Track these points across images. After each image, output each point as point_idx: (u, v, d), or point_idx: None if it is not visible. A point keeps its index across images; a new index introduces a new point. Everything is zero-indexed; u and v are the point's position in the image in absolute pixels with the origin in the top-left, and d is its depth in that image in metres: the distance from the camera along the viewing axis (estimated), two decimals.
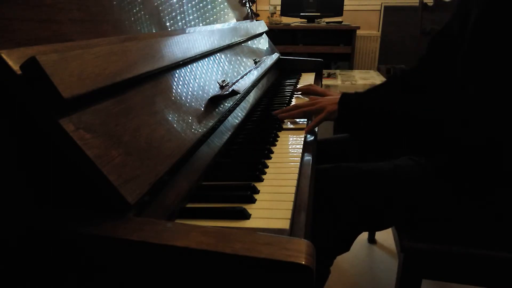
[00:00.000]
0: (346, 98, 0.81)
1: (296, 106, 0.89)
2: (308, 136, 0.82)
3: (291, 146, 0.76)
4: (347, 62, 3.33)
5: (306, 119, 0.90)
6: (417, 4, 2.24)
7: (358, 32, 3.25)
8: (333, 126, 2.23)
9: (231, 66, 0.95)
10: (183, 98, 0.65)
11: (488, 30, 0.65)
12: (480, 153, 0.68)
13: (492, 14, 0.64)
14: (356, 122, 0.79)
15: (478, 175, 0.72)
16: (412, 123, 0.71)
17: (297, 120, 0.91)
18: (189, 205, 0.54)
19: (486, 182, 0.72)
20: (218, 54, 0.90)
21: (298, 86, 1.19)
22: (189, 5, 0.86)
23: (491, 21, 0.65)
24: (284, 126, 0.88)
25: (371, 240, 1.52)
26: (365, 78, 2.73)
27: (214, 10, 1.03)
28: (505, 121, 0.63)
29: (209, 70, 0.80)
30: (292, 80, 1.36)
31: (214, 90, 0.77)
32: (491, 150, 0.67)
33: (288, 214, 0.50)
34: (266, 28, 1.51)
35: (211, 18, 0.99)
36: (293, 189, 0.57)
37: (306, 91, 1.13)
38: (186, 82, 0.68)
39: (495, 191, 0.72)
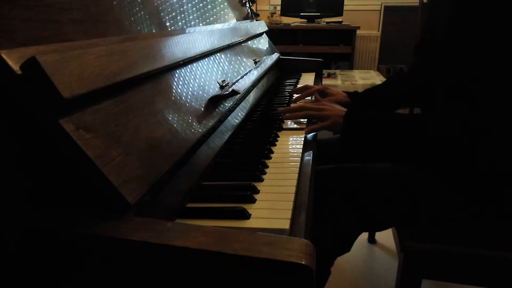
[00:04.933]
0: (351, 116, 0.79)
1: (302, 108, 0.86)
2: (308, 136, 0.82)
3: (291, 146, 0.76)
4: (347, 62, 3.33)
5: (306, 123, 0.89)
6: (417, 4, 2.24)
7: (358, 32, 3.25)
8: None
9: (231, 66, 0.95)
10: (183, 98, 0.65)
11: (458, 37, 0.66)
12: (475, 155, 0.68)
13: (462, 20, 0.65)
14: (360, 141, 0.79)
15: (476, 176, 0.72)
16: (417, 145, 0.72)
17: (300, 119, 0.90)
18: (189, 205, 0.54)
19: (485, 183, 0.72)
20: (218, 54, 0.90)
21: (298, 86, 1.19)
22: (189, 5, 0.86)
23: (461, 28, 0.66)
24: (284, 126, 0.88)
25: (371, 240, 1.52)
26: (365, 78, 2.73)
27: (214, 10, 1.03)
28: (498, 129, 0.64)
29: (209, 70, 0.80)
30: (292, 80, 1.36)
31: (214, 90, 0.77)
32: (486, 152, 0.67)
33: (288, 214, 0.50)
34: (266, 28, 1.51)
35: (211, 18, 0.99)
36: (293, 189, 0.57)
37: (303, 90, 1.12)
38: (186, 82, 0.68)
39: (494, 191, 0.72)
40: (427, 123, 0.71)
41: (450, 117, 0.68)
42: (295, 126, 0.88)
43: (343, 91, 1.08)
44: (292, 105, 0.99)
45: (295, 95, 1.14)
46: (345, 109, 0.81)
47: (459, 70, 0.69)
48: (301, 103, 0.89)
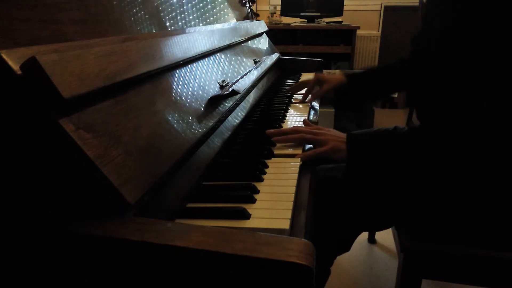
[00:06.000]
0: (354, 139, 0.70)
1: (296, 130, 0.75)
2: None
3: (291, 145, 0.76)
4: (347, 62, 3.33)
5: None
6: (417, 4, 2.24)
7: (358, 32, 3.25)
8: (333, 125, 2.23)
9: (231, 66, 0.95)
10: (183, 98, 0.65)
11: (453, 40, 0.65)
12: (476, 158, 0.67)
13: (457, 25, 0.65)
14: (370, 166, 0.69)
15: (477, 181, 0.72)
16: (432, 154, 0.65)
17: (298, 124, 0.90)
18: (189, 205, 0.54)
19: (487, 185, 0.72)
20: (218, 54, 0.90)
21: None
22: (189, 5, 0.86)
23: (456, 32, 0.65)
24: (284, 126, 0.88)
25: (371, 240, 1.52)
26: None
27: (214, 10, 1.03)
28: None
29: (209, 70, 0.80)
30: (292, 80, 1.36)
31: (214, 90, 0.77)
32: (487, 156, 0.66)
33: (288, 214, 0.50)
34: (266, 28, 1.51)
35: (211, 18, 0.99)
36: (293, 189, 0.57)
37: (301, 87, 1.13)
38: (186, 82, 0.68)
39: (495, 192, 0.72)
40: (456, 149, 0.64)
41: (480, 144, 0.62)
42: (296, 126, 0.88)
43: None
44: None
45: (297, 92, 1.14)
46: (342, 136, 0.71)
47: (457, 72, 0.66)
48: (295, 127, 0.78)
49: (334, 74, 1.09)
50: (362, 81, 1.06)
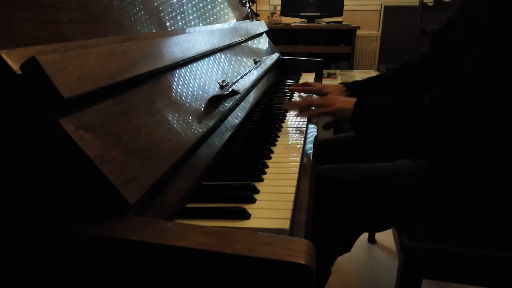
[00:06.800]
0: (362, 102, 0.76)
1: (307, 101, 0.86)
2: (309, 135, 0.82)
3: (291, 146, 0.76)
4: (347, 62, 3.33)
5: (306, 123, 0.89)
6: (417, 4, 2.24)
7: (358, 32, 3.25)
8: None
9: (231, 66, 0.95)
10: (183, 98, 0.65)
11: (501, 34, 0.64)
12: (482, 156, 0.67)
13: (504, 18, 0.63)
14: (372, 127, 0.75)
15: (478, 178, 0.71)
16: (430, 128, 0.69)
17: (298, 124, 0.90)
18: (189, 205, 0.54)
19: (486, 185, 0.72)
20: (218, 54, 0.90)
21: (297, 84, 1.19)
22: (189, 5, 0.86)
23: (504, 24, 0.63)
24: (284, 126, 0.88)
25: (371, 240, 1.52)
26: None
27: (214, 10, 1.03)
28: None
29: (209, 70, 0.80)
30: (292, 80, 1.36)
31: (214, 90, 0.77)
32: (494, 153, 0.66)
33: (288, 214, 0.50)
34: (266, 28, 1.51)
35: (211, 18, 0.99)
36: (293, 189, 0.57)
37: (301, 91, 1.12)
38: (186, 82, 0.68)
39: (495, 192, 0.72)
40: (444, 125, 0.68)
41: (471, 122, 0.65)
42: (296, 126, 0.88)
43: (340, 83, 1.08)
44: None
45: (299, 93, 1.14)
46: (350, 99, 0.78)
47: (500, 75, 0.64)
48: (306, 99, 0.88)
49: (334, 89, 1.06)
50: (363, 92, 1.05)
